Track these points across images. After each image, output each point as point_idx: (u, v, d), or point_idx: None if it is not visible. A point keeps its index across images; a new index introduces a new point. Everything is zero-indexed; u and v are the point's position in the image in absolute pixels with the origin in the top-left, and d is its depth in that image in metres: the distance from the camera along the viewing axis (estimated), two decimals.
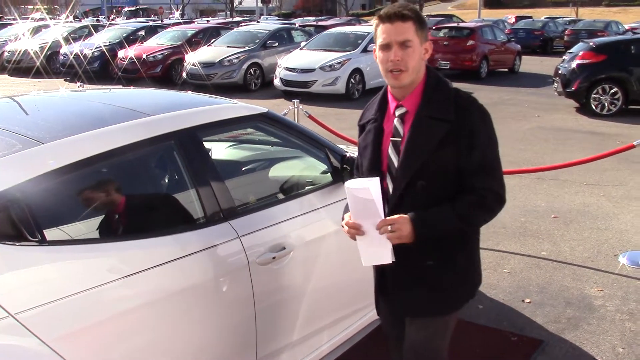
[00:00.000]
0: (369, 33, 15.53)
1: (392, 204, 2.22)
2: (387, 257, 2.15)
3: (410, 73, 2.17)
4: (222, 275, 2.55)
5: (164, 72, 17.19)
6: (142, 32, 20.51)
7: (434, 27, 20.76)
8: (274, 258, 2.73)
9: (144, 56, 16.98)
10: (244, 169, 3.56)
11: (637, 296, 4.46)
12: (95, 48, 18.40)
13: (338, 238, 3.07)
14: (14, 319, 1.93)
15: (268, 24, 22.54)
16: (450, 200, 2.18)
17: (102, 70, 18.03)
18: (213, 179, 2.68)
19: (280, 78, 14.64)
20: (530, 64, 22.56)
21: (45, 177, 2.19)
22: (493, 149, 2.22)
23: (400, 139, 2.23)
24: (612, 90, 12.06)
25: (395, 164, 2.23)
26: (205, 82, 15.21)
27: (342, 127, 8.63)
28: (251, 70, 16.12)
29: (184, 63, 16.55)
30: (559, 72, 13.01)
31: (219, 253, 2.56)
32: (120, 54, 17.56)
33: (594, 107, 12.22)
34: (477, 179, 2.17)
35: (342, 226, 2.25)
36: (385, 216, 2.12)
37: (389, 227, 2.09)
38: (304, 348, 3.02)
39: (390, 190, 2.23)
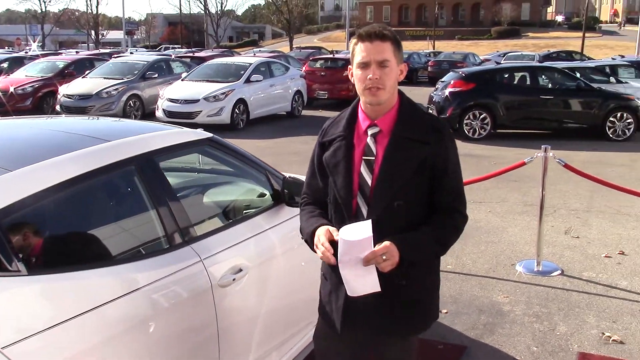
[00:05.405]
0: (250, 64, 15.72)
1: None
2: (376, 284, 2.12)
3: (387, 91, 2.20)
4: (189, 299, 2.55)
5: (35, 105, 16.36)
6: (5, 65, 19.42)
7: (310, 59, 21.36)
8: (234, 279, 2.76)
9: (11, 89, 16.07)
10: (191, 193, 3.54)
11: (539, 300, 4.88)
12: None
13: (285, 259, 3.17)
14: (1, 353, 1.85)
15: (145, 55, 22.09)
16: (426, 223, 2.23)
17: None
18: (173, 202, 2.68)
19: (163, 109, 14.35)
20: None
21: (18, 205, 2.11)
22: (460, 172, 2.32)
23: (373, 158, 2.23)
24: (482, 116, 13.02)
25: (369, 183, 2.22)
26: (82, 115, 14.65)
27: None
28: (130, 102, 15.76)
29: (57, 95, 15.85)
30: (433, 99, 13.87)
31: (185, 277, 2.56)
32: None
33: (466, 131, 13.09)
34: (449, 202, 2.26)
35: (316, 247, 2.22)
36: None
37: (383, 257, 2.09)
38: None
39: (365, 211, 2.22)
